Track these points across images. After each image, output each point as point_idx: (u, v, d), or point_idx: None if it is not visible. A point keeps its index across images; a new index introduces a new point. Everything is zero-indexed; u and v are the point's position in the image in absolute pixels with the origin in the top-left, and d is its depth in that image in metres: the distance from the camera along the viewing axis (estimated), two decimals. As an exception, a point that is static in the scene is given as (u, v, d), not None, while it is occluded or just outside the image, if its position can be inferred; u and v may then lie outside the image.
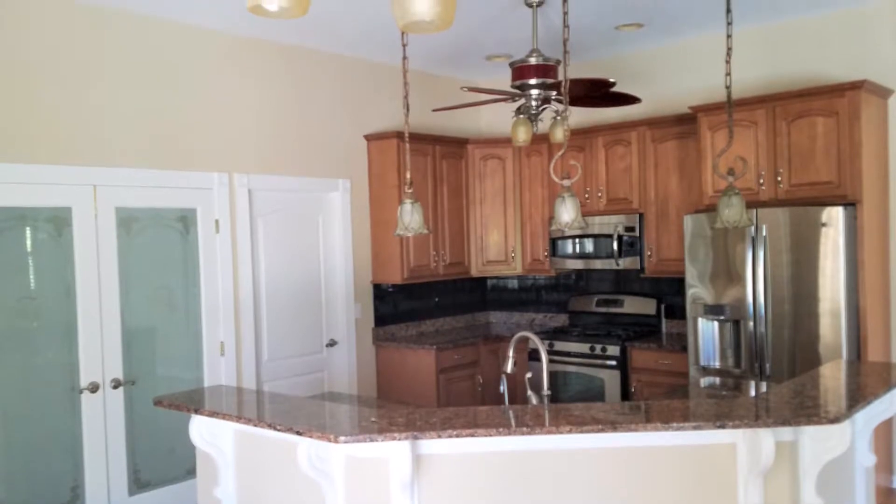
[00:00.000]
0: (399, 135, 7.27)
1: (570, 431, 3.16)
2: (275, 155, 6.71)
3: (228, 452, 3.96)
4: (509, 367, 4.21)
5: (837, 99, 5.79)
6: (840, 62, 6.35)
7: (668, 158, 6.96)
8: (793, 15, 6.47)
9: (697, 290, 6.29)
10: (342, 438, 3.13)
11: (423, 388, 7.22)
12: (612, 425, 3.16)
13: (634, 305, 7.58)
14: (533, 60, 5.40)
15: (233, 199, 6.37)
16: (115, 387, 5.65)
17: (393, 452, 3.25)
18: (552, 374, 7.17)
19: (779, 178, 6.05)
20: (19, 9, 5.20)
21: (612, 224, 7.26)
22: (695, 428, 3.14)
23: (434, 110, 6.85)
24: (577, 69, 7.19)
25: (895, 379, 3.81)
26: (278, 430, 3.40)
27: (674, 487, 3.36)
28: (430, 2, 2.57)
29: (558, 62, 5.45)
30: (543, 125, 6.22)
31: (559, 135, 5.71)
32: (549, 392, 4.09)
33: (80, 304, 5.49)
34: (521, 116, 5.66)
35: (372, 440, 3.14)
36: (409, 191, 4.29)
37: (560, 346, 7.28)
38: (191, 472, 5.95)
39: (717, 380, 6.08)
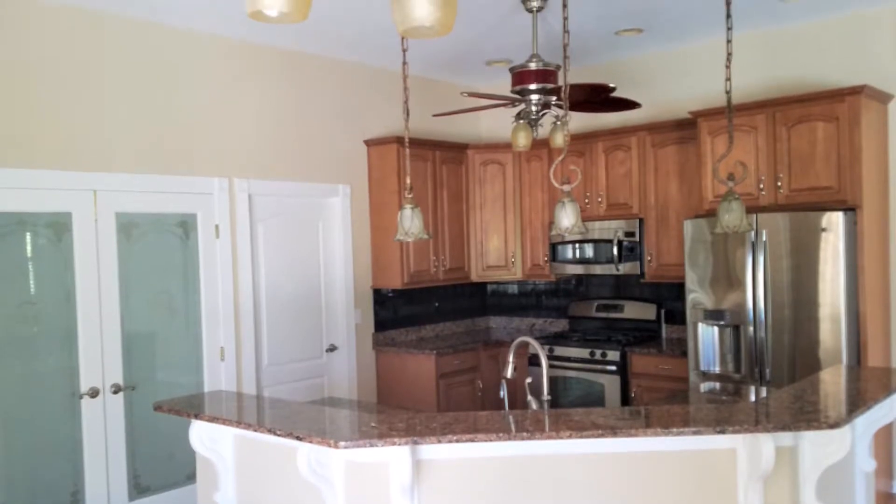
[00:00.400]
0: (399, 140, 7.27)
1: (570, 437, 3.16)
2: (275, 160, 6.71)
3: (228, 458, 3.95)
4: (509, 372, 4.21)
5: (837, 104, 5.79)
6: (840, 67, 6.35)
7: (668, 163, 6.96)
8: (793, 20, 6.48)
9: (697, 295, 6.29)
10: (342, 444, 3.13)
11: (423, 393, 7.21)
12: (613, 430, 3.16)
13: (634, 310, 7.58)
14: (533, 65, 5.41)
15: (233, 205, 6.38)
16: (115, 392, 5.65)
17: (393, 457, 3.25)
18: (552, 380, 7.16)
19: (779, 184, 6.05)
20: (19, 13, 5.20)
21: (612, 229, 7.26)
22: (695, 433, 3.14)
23: (434, 115, 6.86)
24: (577, 74, 7.20)
25: (895, 384, 3.81)
26: (278, 436, 3.40)
27: (674, 492, 3.36)
28: (430, 7, 2.57)
29: (558, 67, 5.45)
30: (543, 130, 6.23)
31: (559, 140, 5.72)
32: (549, 397, 4.09)
33: (80, 309, 5.49)
34: (521, 121, 5.66)
35: (372, 445, 3.14)
36: (409, 196, 4.29)
37: (560, 351, 7.28)
38: (191, 478, 5.95)
39: (717, 385, 6.08)
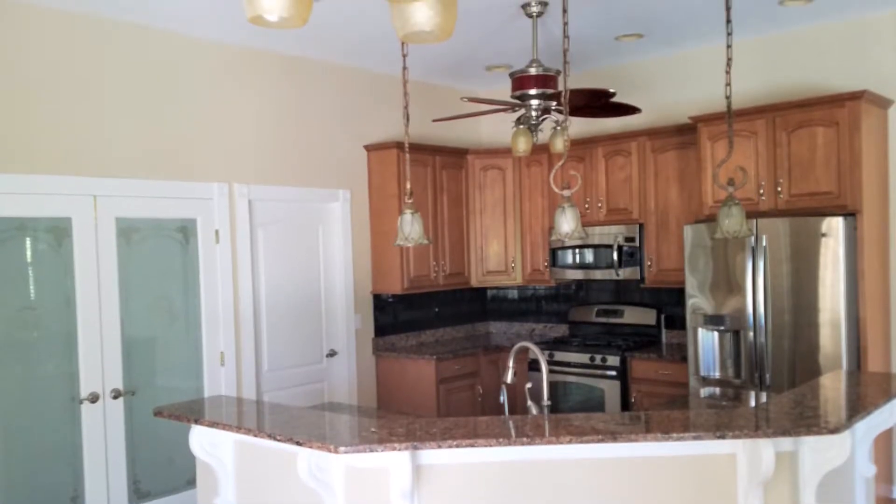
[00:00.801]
0: (399, 145, 7.28)
1: (570, 442, 3.16)
2: (275, 165, 6.71)
3: (228, 463, 3.95)
4: (509, 378, 4.21)
5: (837, 109, 5.80)
6: (840, 72, 6.36)
7: (668, 168, 6.96)
8: (793, 25, 6.48)
9: (697, 300, 6.29)
10: (342, 449, 3.13)
11: (423, 399, 7.21)
12: (613, 436, 3.16)
13: (634, 316, 7.58)
14: (533, 71, 5.42)
15: (233, 210, 6.38)
16: (115, 397, 5.65)
17: (393, 462, 3.25)
18: (552, 385, 7.16)
19: (779, 189, 6.05)
20: (20, 20, 5.21)
21: (612, 234, 7.27)
22: (695, 438, 3.14)
23: (434, 121, 6.86)
24: (577, 79, 7.20)
25: (895, 389, 3.81)
26: (278, 441, 3.40)
27: (674, 498, 3.36)
28: (430, 12, 2.58)
29: (558, 72, 5.46)
30: (543, 135, 6.24)
31: (559, 145, 5.72)
32: (549, 402, 4.09)
33: (80, 314, 5.49)
34: (521, 127, 5.66)
35: (372, 450, 3.14)
36: (410, 201, 4.29)
37: (560, 356, 7.28)
38: (191, 483, 5.94)
39: (717, 390, 6.08)
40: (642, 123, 7.29)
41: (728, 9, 4.21)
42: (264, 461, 3.79)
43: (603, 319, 7.79)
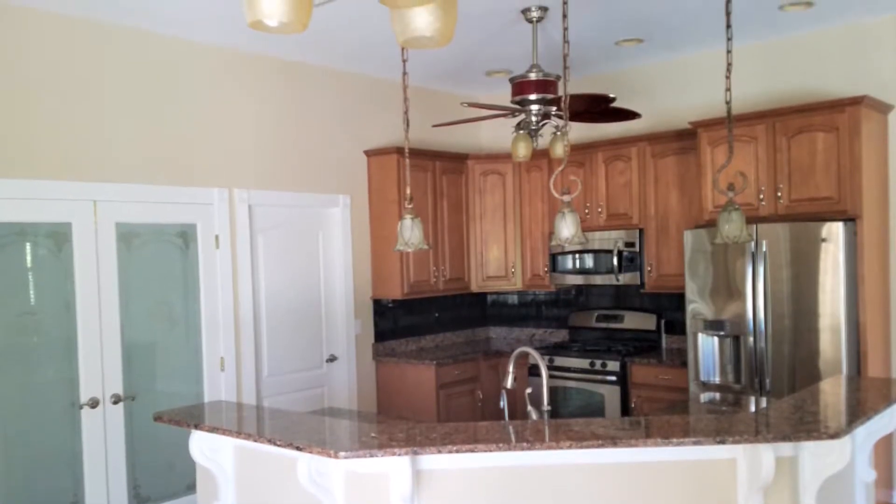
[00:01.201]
0: (399, 150, 7.28)
1: (570, 447, 3.16)
2: (275, 170, 6.72)
3: (228, 468, 3.95)
4: (509, 383, 4.21)
5: (837, 114, 5.80)
6: (840, 78, 6.36)
7: (668, 174, 6.96)
8: (793, 30, 6.49)
9: (697, 305, 6.29)
10: (342, 454, 3.13)
11: (423, 404, 7.21)
12: (613, 441, 3.16)
13: (634, 321, 7.58)
14: (533, 76, 5.42)
15: (233, 215, 6.38)
16: (115, 402, 5.65)
17: (393, 468, 3.25)
18: (552, 390, 7.15)
19: (779, 194, 6.05)
20: (20, 24, 5.21)
21: (612, 239, 7.27)
22: (695, 443, 3.14)
23: (434, 126, 6.87)
24: (577, 84, 7.21)
25: (895, 394, 3.81)
26: (278, 446, 3.40)
27: (674, 503, 3.36)
28: (430, 17, 2.58)
29: (558, 77, 5.46)
30: (543, 140, 6.23)
31: (559, 150, 5.73)
32: (549, 407, 4.09)
33: (80, 319, 5.48)
34: (521, 132, 5.67)
35: (372, 455, 3.14)
36: (410, 206, 4.29)
37: (560, 361, 7.28)
38: (191, 488, 5.93)
39: (717, 395, 6.08)
40: (642, 128, 7.29)
41: (728, 14, 4.21)
42: (264, 466, 3.79)
43: (603, 324, 7.79)
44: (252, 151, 6.54)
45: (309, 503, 3.55)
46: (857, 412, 3.48)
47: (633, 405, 6.86)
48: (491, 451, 3.17)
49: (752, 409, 5.39)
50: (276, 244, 6.76)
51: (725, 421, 3.44)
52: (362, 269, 7.49)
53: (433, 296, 7.83)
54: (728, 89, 4.24)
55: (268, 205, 6.66)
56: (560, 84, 5.48)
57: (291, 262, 6.89)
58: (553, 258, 7.72)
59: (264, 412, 4.21)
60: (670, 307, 7.35)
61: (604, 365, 6.99)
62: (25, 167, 5.22)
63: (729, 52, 4.25)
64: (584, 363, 7.13)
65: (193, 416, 3.96)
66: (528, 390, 4.54)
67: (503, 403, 4.35)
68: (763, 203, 6.13)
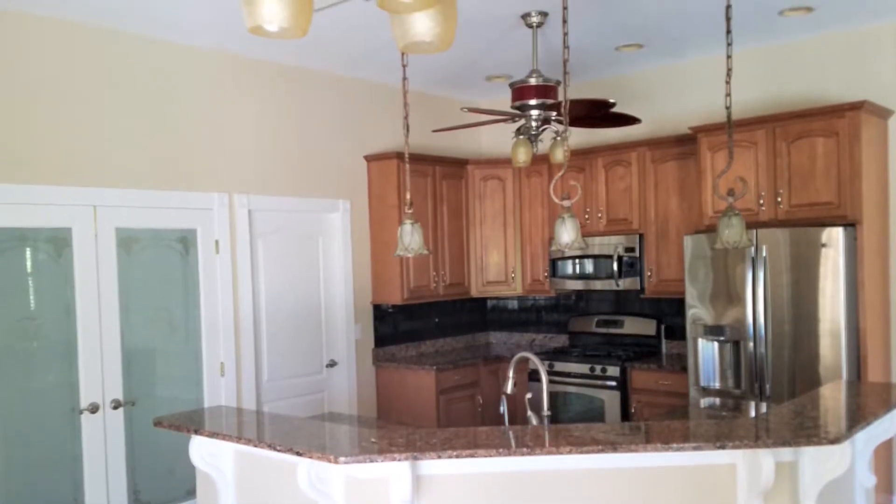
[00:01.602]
0: (399, 155, 7.28)
1: (570, 452, 3.15)
2: (275, 175, 6.72)
3: (228, 473, 3.95)
4: (509, 388, 4.20)
5: (837, 120, 5.81)
6: (840, 83, 6.37)
7: (668, 179, 6.97)
8: (793, 36, 6.49)
9: (697, 310, 6.29)
10: (342, 459, 3.13)
11: (423, 409, 7.20)
12: (613, 446, 3.16)
13: (634, 326, 7.58)
14: (533, 81, 5.42)
15: (233, 220, 6.38)
16: (115, 407, 5.64)
17: (393, 473, 3.25)
18: (552, 395, 7.15)
19: (779, 199, 6.06)
20: (20, 29, 5.22)
21: (612, 245, 7.27)
22: (695, 448, 3.13)
23: (434, 131, 6.87)
24: (577, 90, 7.22)
25: (895, 399, 3.81)
26: (278, 451, 3.39)
27: (674, 508, 3.36)
28: (430, 22, 2.58)
29: (558, 83, 5.47)
30: (543, 146, 6.24)
31: (559, 155, 5.73)
32: (549, 413, 4.08)
33: (80, 324, 5.48)
34: (521, 137, 5.67)
35: (372, 461, 3.14)
36: (410, 211, 4.30)
37: (560, 366, 7.27)
38: (191, 493, 5.93)
39: (717, 400, 6.07)
40: (642, 134, 7.29)
41: (728, 19, 4.21)
42: (264, 471, 3.78)
43: (603, 330, 7.79)
44: (252, 156, 6.54)
45: (309, 508, 3.55)
46: (858, 417, 3.48)
47: (633, 410, 6.86)
48: (491, 456, 3.17)
49: (752, 414, 5.38)
50: (276, 249, 6.76)
51: (725, 426, 3.44)
52: (362, 274, 7.49)
53: (433, 301, 7.83)
54: (728, 94, 4.24)
55: (268, 210, 6.67)
56: (560, 89, 5.48)
57: (291, 267, 6.89)
58: (553, 263, 7.72)
59: (264, 417, 4.20)
60: (670, 312, 7.35)
61: (604, 370, 6.99)
62: (26, 172, 5.23)
63: (729, 57, 4.26)
64: (584, 368, 7.12)
65: (193, 422, 3.96)
66: (528, 395, 4.54)
67: (503, 409, 4.35)
68: (763, 208, 6.13)
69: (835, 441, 3.09)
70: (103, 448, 5.58)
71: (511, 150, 5.75)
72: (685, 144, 6.79)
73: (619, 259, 7.21)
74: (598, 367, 7.03)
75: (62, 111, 5.42)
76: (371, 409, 7.55)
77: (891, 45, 6.16)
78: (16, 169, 5.18)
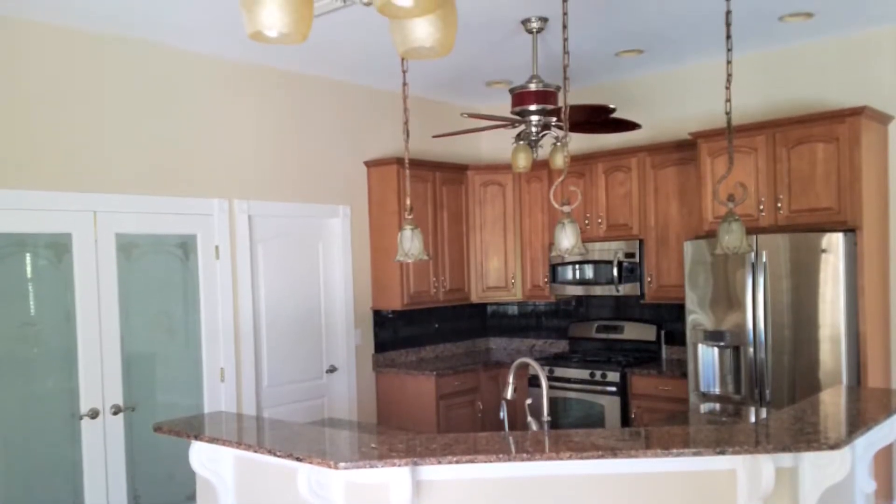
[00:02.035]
0: (399, 161, 7.29)
1: (570, 458, 3.15)
2: (275, 181, 6.72)
3: (228, 478, 3.94)
4: (509, 393, 4.20)
5: (837, 125, 5.81)
6: (840, 88, 6.37)
7: (668, 184, 6.97)
8: (793, 41, 6.50)
9: (697, 316, 6.29)
10: (342, 465, 3.13)
11: (423, 414, 7.20)
12: (613, 451, 3.16)
13: (634, 331, 7.57)
14: (533, 86, 5.43)
15: (233, 226, 6.38)
16: (115, 413, 5.64)
17: (393, 478, 3.24)
18: (552, 401, 7.15)
19: (779, 205, 6.06)
20: (20, 35, 5.22)
21: (612, 250, 7.27)
22: (695, 454, 3.13)
23: (434, 136, 6.88)
24: (577, 95, 7.22)
25: (895, 405, 3.81)
26: (278, 457, 3.39)
27: (674, 514, 3.35)
28: (430, 28, 2.58)
29: (558, 88, 5.47)
30: (543, 151, 6.24)
31: (559, 161, 5.73)
32: (549, 418, 4.08)
33: (80, 330, 5.48)
34: (521, 142, 5.68)
35: (372, 466, 3.13)
36: (410, 217, 4.30)
37: (560, 372, 7.27)
38: (191, 499, 5.92)
39: (717, 406, 6.07)
40: (642, 139, 7.30)
41: (728, 25, 4.22)
42: (264, 477, 3.78)
43: (603, 335, 7.79)
44: (252, 162, 6.55)
45: (309, 514, 3.54)
46: (858, 423, 3.48)
47: (633, 416, 6.86)
48: (491, 461, 3.17)
49: (752, 419, 5.38)
50: (276, 255, 6.76)
51: (725, 432, 3.44)
52: (362, 279, 7.49)
53: (433, 306, 7.83)
54: (728, 100, 4.24)
55: (268, 215, 6.67)
56: (560, 95, 5.49)
57: (291, 272, 6.89)
58: (553, 269, 7.72)
59: (264, 423, 4.20)
60: (670, 318, 7.35)
61: (604, 376, 6.99)
62: (25, 178, 5.23)
63: (729, 62, 4.26)
64: (584, 374, 7.12)
65: (193, 427, 3.96)
66: (528, 401, 4.54)
67: (503, 414, 4.35)
68: (763, 214, 6.13)
69: (835, 447, 3.08)
70: (103, 453, 5.58)
71: (511, 156, 5.76)
72: (685, 150, 6.80)
73: (619, 264, 7.21)
74: (598, 373, 7.03)
75: (62, 117, 5.42)
76: (371, 414, 7.54)
77: (890, 51, 6.16)
78: (16, 174, 5.18)
